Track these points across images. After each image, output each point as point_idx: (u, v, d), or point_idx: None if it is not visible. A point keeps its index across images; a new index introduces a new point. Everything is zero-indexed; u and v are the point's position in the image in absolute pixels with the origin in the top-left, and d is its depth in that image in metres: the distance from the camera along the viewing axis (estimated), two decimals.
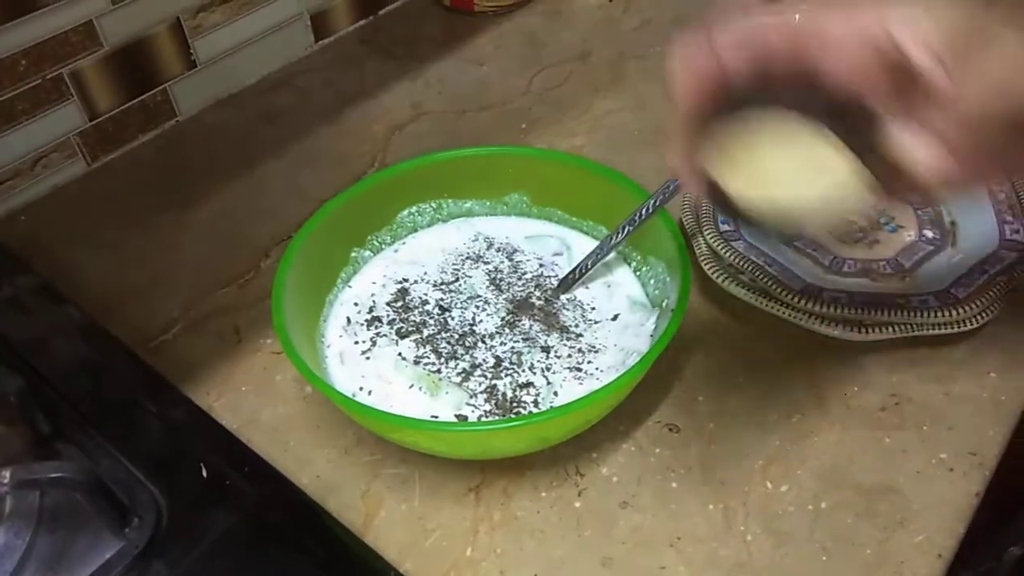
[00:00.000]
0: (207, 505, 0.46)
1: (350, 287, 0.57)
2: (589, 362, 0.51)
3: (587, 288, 0.56)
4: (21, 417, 0.47)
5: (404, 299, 0.55)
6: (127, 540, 0.43)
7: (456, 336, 0.53)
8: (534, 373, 0.51)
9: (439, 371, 0.51)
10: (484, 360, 0.51)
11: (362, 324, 0.54)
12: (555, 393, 0.50)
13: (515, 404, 0.49)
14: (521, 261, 0.58)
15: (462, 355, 0.52)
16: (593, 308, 0.55)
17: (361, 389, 0.50)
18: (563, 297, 0.55)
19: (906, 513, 0.46)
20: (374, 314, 0.55)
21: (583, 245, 0.58)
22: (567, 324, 0.54)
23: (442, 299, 0.55)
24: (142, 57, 0.73)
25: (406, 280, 0.57)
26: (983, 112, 0.29)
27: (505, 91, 0.79)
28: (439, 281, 0.57)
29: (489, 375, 0.50)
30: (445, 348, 0.52)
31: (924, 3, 0.29)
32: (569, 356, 0.52)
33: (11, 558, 0.43)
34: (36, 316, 0.58)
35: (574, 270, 0.55)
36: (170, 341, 0.58)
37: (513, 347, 0.52)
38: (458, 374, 0.50)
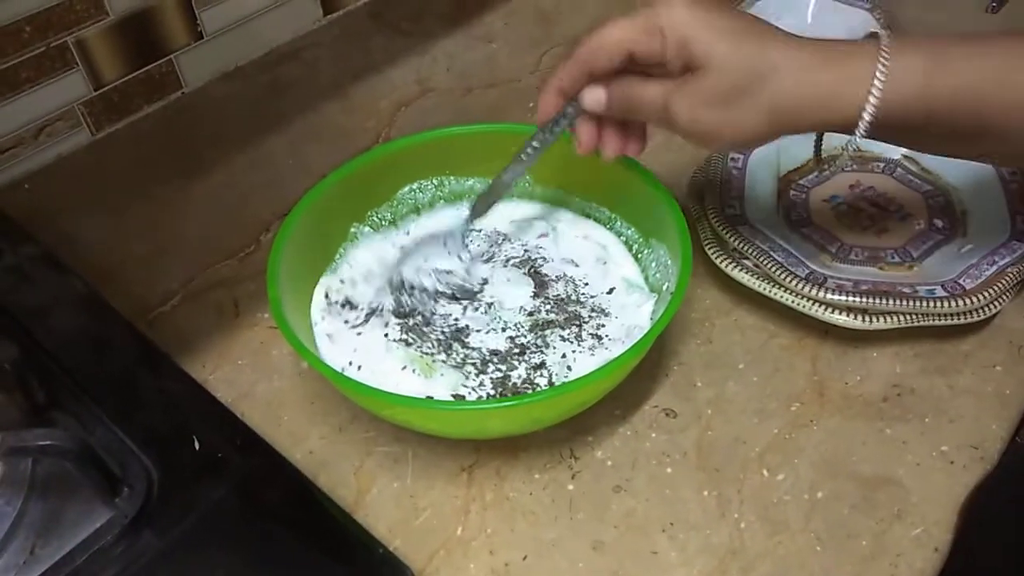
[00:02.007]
0: (199, 477, 0.45)
1: (348, 264, 0.56)
2: (595, 335, 0.51)
3: (577, 265, 0.56)
4: (17, 385, 0.47)
5: (399, 281, 0.55)
6: (117, 510, 0.43)
7: (451, 322, 0.52)
8: (541, 351, 0.50)
9: (432, 354, 0.50)
10: (482, 344, 0.51)
11: (357, 302, 0.54)
12: (568, 368, 0.49)
13: (524, 384, 0.49)
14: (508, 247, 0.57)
15: (457, 341, 0.51)
16: (586, 284, 0.54)
17: (351, 364, 0.50)
18: (553, 274, 0.55)
19: (904, 505, 0.46)
20: (369, 292, 0.54)
21: (572, 226, 0.58)
22: (561, 296, 0.53)
23: (436, 285, 0.54)
24: (148, 27, 0.72)
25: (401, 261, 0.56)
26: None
27: (514, 69, 0.78)
28: (434, 267, 0.56)
29: (490, 360, 0.50)
30: (439, 332, 0.52)
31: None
32: (572, 334, 0.51)
33: (1, 525, 0.43)
34: (36, 285, 0.57)
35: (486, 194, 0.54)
36: (168, 313, 0.58)
37: (515, 331, 0.51)
38: (454, 357, 0.50)
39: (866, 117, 0.42)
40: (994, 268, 0.53)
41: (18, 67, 0.66)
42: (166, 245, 0.63)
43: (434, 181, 0.59)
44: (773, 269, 0.53)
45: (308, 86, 0.78)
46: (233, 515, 0.44)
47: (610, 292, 0.54)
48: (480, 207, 0.54)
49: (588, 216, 0.59)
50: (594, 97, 0.46)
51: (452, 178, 0.59)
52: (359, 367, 0.50)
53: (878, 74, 0.41)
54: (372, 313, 0.53)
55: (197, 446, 0.47)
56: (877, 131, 0.43)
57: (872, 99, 0.41)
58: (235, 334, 0.56)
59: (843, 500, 0.46)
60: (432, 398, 0.48)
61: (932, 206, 0.60)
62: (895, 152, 0.64)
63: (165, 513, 0.44)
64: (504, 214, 0.59)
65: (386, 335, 0.51)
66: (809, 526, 0.45)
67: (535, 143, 0.50)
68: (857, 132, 0.42)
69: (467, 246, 0.56)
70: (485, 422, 0.46)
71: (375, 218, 0.58)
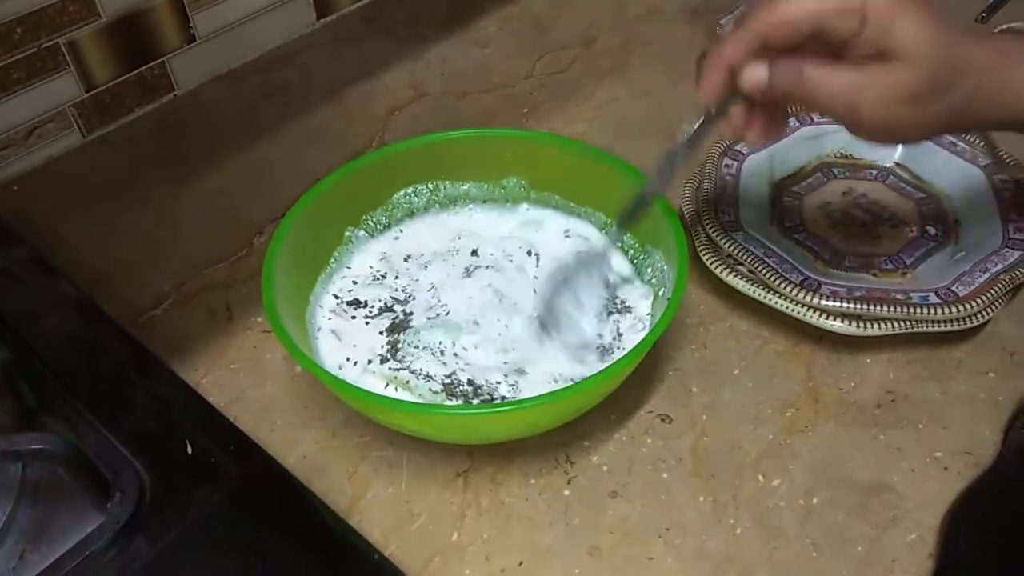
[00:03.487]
0: (191, 482, 0.45)
1: (345, 267, 0.56)
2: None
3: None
4: (7, 389, 0.47)
5: (393, 287, 0.55)
6: (109, 515, 0.43)
7: (439, 338, 0.52)
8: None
9: (415, 372, 0.49)
10: (469, 365, 0.50)
11: (351, 306, 0.54)
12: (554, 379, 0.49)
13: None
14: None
15: (447, 356, 0.51)
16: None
17: (343, 366, 0.50)
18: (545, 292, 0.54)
19: (899, 511, 0.46)
20: (363, 297, 0.54)
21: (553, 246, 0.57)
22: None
23: (434, 298, 0.54)
24: (140, 29, 0.72)
25: (396, 264, 0.56)
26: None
27: (508, 74, 0.78)
28: (440, 284, 0.55)
29: (472, 381, 0.49)
30: (428, 344, 0.51)
31: None
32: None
33: None
34: (26, 288, 0.57)
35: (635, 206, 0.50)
36: (160, 316, 0.58)
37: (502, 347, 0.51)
38: (442, 377, 0.49)
39: None
40: (987, 275, 0.53)
41: (9, 68, 0.65)
42: (158, 248, 0.63)
43: (429, 185, 0.59)
44: (768, 275, 0.53)
45: (301, 90, 0.78)
46: (226, 520, 0.44)
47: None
48: (632, 216, 0.50)
49: (585, 220, 0.59)
50: (757, 75, 0.41)
51: (447, 182, 0.59)
52: (355, 362, 0.49)
53: None
54: (371, 317, 0.53)
55: (189, 451, 0.46)
56: None
57: None
58: (228, 338, 0.56)
59: (838, 506, 0.46)
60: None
61: (925, 213, 0.60)
62: (888, 160, 0.64)
63: (157, 518, 0.43)
64: (489, 228, 0.59)
65: (378, 355, 0.51)
66: (804, 532, 0.45)
67: (692, 133, 0.45)
68: None
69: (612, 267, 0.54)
70: (480, 427, 0.46)
71: (370, 222, 0.58)
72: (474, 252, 0.57)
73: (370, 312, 0.53)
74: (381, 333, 0.52)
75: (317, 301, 0.53)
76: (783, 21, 0.39)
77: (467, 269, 0.55)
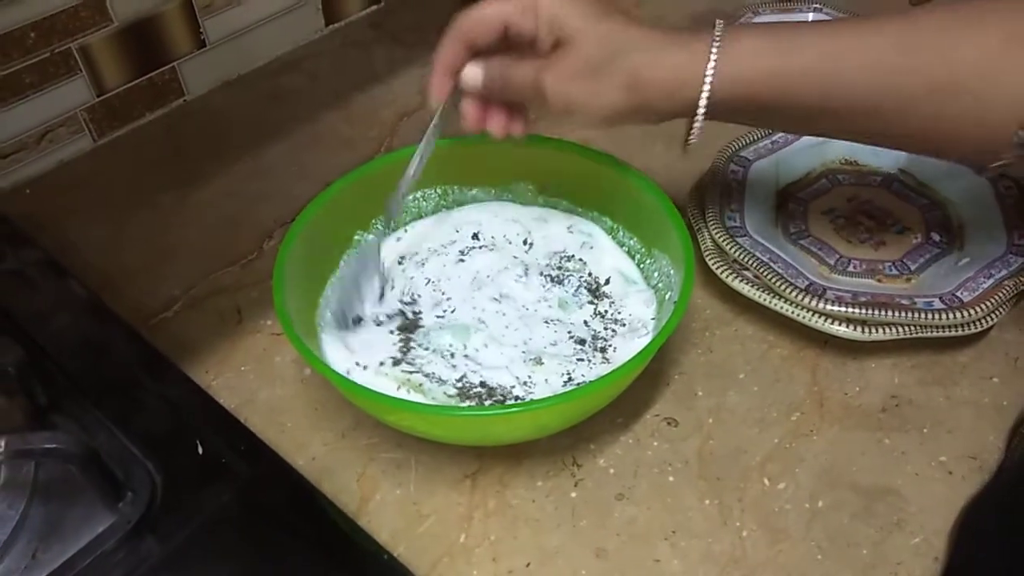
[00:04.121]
0: (202, 483, 0.45)
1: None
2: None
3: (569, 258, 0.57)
4: (19, 389, 0.47)
5: (405, 290, 0.55)
6: (120, 514, 0.43)
7: (452, 332, 0.52)
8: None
9: (428, 376, 0.50)
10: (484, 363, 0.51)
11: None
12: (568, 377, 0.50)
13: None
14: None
15: (459, 356, 0.51)
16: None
17: (352, 369, 0.50)
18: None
19: (903, 515, 0.46)
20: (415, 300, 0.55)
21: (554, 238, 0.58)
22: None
23: (437, 292, 0.55)
24: (151, 34, 0.72)
25: (403, 261, 0.57)
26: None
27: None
28: (436, 277, 0.56)
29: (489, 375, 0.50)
30: (439, 347, 0.52)
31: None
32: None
33: (3, 528, 0.43)
34: (38, 290, 0.58)
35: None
36: (171, 319, 0.58)
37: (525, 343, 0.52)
38: (454, 380, 0.50)
39: (703, 96, 0.45)
40: (991, 281, 0.53)
41: (22, 72, 0.66)
42: (168, 252, 0.63)
43: (437, 190, 0.60)
44: (773, 280, 0.53)
45: (310, 95, 0.78)
46: (236, 521, 0.44)
47: (607, 282, 0.55)
48: (393, 208, 0.55)
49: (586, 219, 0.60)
50: (471, 74, 0.48)
51: (455, 187, 0.60)
52: (365, 366, 0.50)
53: (712, 56, 0.44)
54: (382, 320, 0.53)
55: (200, 451, 0.47)
56: (720, 112, 0.45)
57: (707, 80, 0.44)
58: (238, 340, 0.56)
59: (843, 509, 0.47)
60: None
61: (929, 220, 0.61)
62: (892, 166, 0.65)
63: (168, 518, 0.44)
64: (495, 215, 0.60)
65: (392, 357, 0.51)
66: (810, 535, 0.45)
67: (432, 130, 0.52)
68: (697, 112, 0.45)
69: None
70: (488, 428, 0.46)
71: (378, 226, 0.58)
72: (475, 235, 0.58)
73: (378, 317, 0.54)
74: (392, 332, 0.52)
75: (327, 304, 0.54)
76: (477, 21, 0.47)
77: (462, 252, 0.57)
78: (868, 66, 0.43)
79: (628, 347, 0.51)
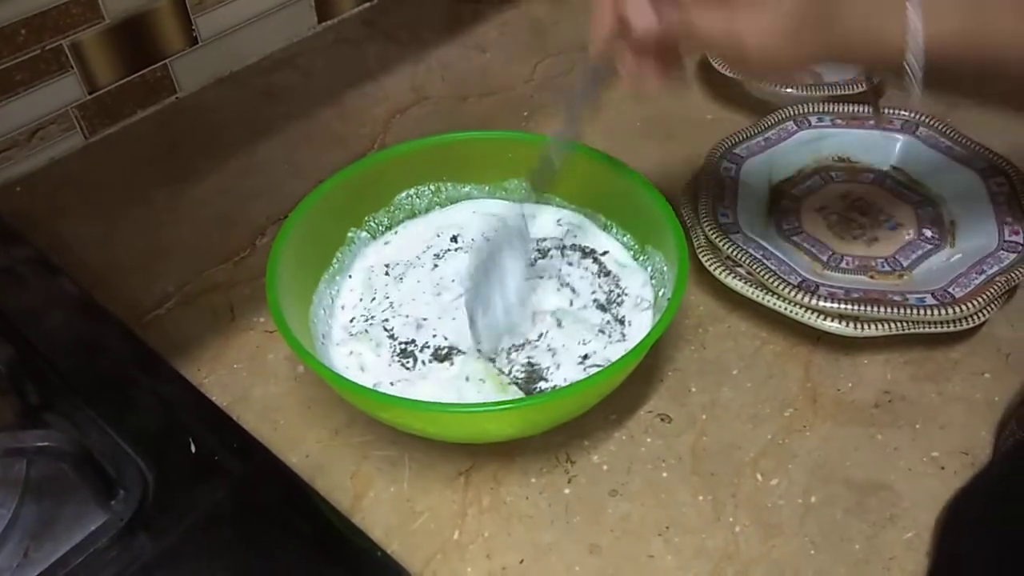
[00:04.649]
0: (195, 480, 0.45)
1: (347, 268, 0.56)
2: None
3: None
4: (11, 387, 0.47)
5: (399, 286, 0.55)
6: (112, 512, 0.43)
7: (446, 329, 0.52)
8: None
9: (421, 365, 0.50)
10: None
11: (356, 306, 0.54)
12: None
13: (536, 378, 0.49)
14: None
15: (452, 349, 0.51)
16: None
17: (348, 368, 0.50)
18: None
19: (896, 510, 0.46)
20: (368, 297, 0.54)
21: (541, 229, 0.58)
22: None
23: (434, 286, 0.55)
24: (143, 32, 0.72)
25: (400, 264, 0.57)
26: None
27: (508, 78, 0.79)
28: (431, 267, 0.57)
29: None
30: (433, 341, 0.52)
31: None
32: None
33: None
34: (30, 287, 0.57)
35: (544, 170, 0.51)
36: (163, 316, 0.58)
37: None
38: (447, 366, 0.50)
39: (910, 54, 0.41)
40: (982, 277, 0.54)
41: (13, 69, 0.66)
42: (160, 249, 0.63)
43: (431, 187, 0.60)
44: (766, 276, 0.53)
45: (303, 92, 0.78)
46: (229, 519, 0.44)
47: (604, 253, 0.56)
48: (540, 180, 0.51)
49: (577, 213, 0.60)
50: (646, 21, 0.41)
51: (449, 184, 0.60)
52: (361, 368, 0.50)
53: (910, 11, 0.40)
54: (376, 317, 0.54)
55: (193, 449, 0.47)
56: (930, 70, 0.41)
57: (912, 36, 0.40)
58: (231, 338, 0.56)
59: (836, 504, 0.47)
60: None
61: (921, 216, 0.61)
62: (885, 163, 0.65)
63: (161, 516, 0.44)
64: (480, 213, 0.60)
65: (389, 348, 0.52)
66: (803, 530, 0.46)
67: (592, 77, 0.46)
68: (906, 72, 0.41)
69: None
70: (482, 425, 0.46)
71: (372, 223, 0.58)
72: (453, 238, 0.58)
73: (372, 314, 0.54)
74: (386, 331, 0.53)
75: (320, 302, 0.54)
76: None
77: (436, 256, 0.57)
78: None
79: (636, 318, 0.52)
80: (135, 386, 0.51)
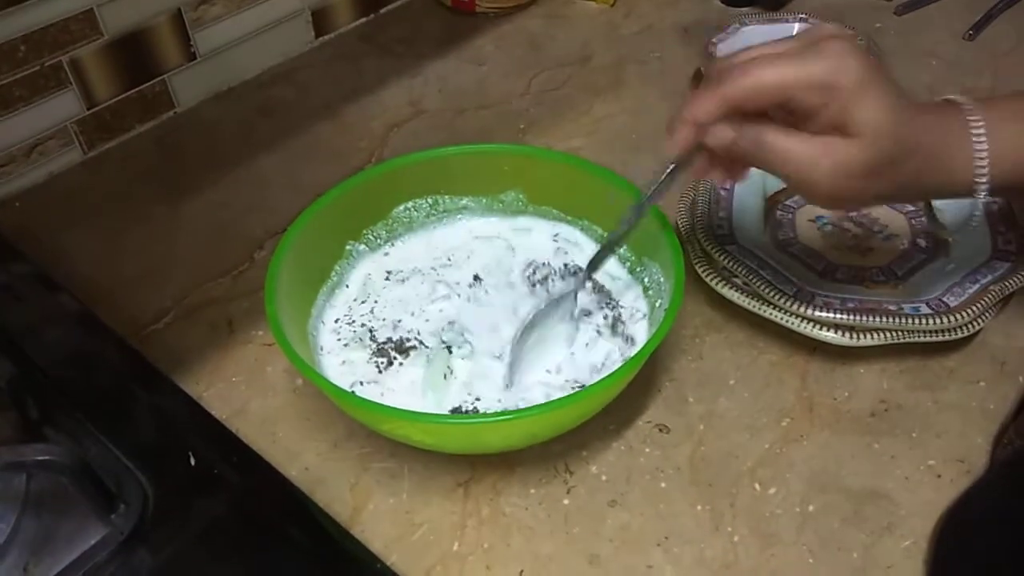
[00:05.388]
0: (194, 494, 0.45)
1: (345, 281, 0.57)
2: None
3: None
4: (11, 402, 0.47)
5: (390, 294, 0.56)
6: (112, 526, 0.43)
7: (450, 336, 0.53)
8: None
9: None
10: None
11: (354, 318, 0.54)
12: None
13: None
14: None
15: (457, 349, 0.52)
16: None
17: (353, 385, 0.50)
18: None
19: (894, 518, 0.47)
20: (366, 308, 0.55)
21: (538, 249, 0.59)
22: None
23: (432, 296, 0.55)
24: (142, 47, 0.73)
25: (399, 273, 0.57)
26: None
27: (504, 91, 0.79)
28: (431, 279, 0.57)
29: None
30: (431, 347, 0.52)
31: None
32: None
33: None
34: (28, 303, 0.58)
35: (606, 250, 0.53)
36: (162, 330, 0.58)
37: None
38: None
39: (981, 185, 0.43)
40: (976, 286, 0.54)
41: (12, 85, 0.66)
42: (159, 263, 0.63)
43: (428, 200, 0.60)
44: (762, 287, 0.54)
45: (300, 107, 0.79)
46: (229, 531, 0.44)
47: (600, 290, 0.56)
48: (598, 260, 0.53)
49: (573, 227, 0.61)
50: (723, 135, 0.43)
51: (446, 197, 0.60)
52: (361, 383, 0.50)
53: (975, 145, 0.43)
54: (374, 328, 0.54)
55: (192, 463, 0.47)
56: (999, 192, 0.44)
57: (978, 171, 0.43)
58: (229, 351, 0.56)
59: (834, 513, 0.47)
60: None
61: (915, 226, 0.61)
62: None
63: (160, 530, 0.44)
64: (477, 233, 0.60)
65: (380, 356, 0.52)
66: (801, 539, 0.46)
67: (656, 188, 0.48)
68: (978, 196, 0.44)
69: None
70: (481, 436, 0.46)
71: (370, 236, 0.58)
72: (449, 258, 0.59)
73: (371, 325, 0.54)
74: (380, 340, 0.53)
75: (319, 315, 0.54)
76: (756, 89, 0.41)
77: (432, 269, 0.57)
78: None
79: (633, 330, 0.53)
80: (134, 400, 0.51)
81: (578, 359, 0.52)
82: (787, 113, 0.42)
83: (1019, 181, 0.44)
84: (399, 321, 0.54)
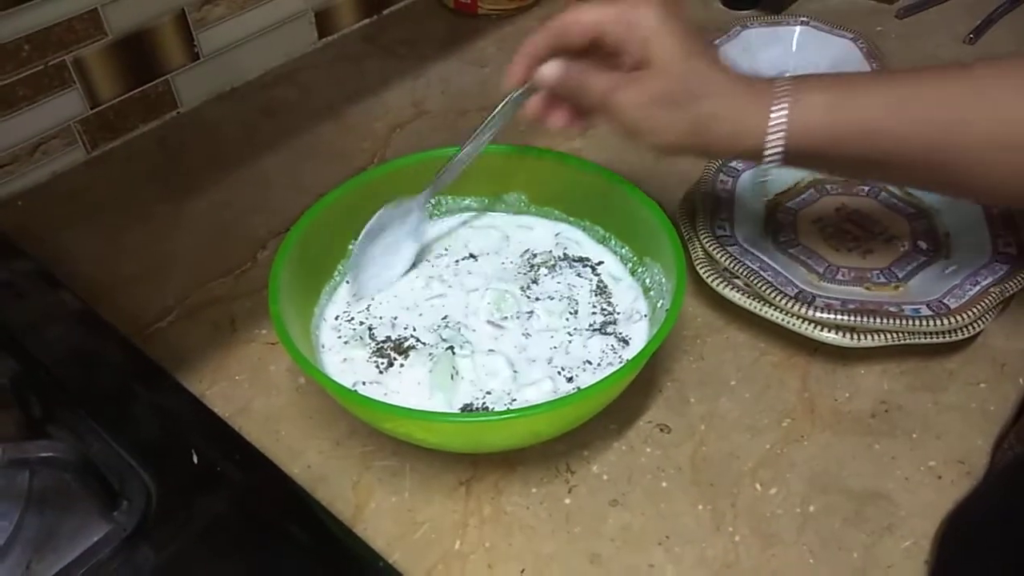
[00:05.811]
0: (197, 491, 0.46)
1: (346, 277, 0.57)
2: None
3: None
4: (14, 399, 0.47)
5: (392, 292, 0.56)
6: (115, 523, 0.43)
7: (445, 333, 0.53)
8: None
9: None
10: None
11: (353, 315, 0.54)
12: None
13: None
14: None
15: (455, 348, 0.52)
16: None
17: (355, 384, 0.50)
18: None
19: (894, 519, 0.47)
20: (363, 305, 0.55)
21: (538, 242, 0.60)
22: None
23: (431, 297, 0.56)
24: (145, 47, 0.73)
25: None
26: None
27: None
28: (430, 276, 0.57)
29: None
30: (432, 344, 0.52)
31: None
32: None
33: None
34: (31, 301, 0.58)
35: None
36: (165, 329, 0.58)
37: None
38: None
39: (768, 149, 0.46)
40: (977, 288, 0.54)
41: (16, 84, 0.66)
42: (161, 263, 0.63)
43: (431, 200, 0.60)
44: (763, 288, 0.54)
45: (303, 107, 0.79)
46: (231, 529, 0.44)
47: (599, 264, 0.58)
48: (440, 182, 0.56)
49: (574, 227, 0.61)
50: (550, 69, 0.49)
51: (448, 197, 0.60)
52: (363, 383, 0.50)
53: (773, 111, 0.45)
54: (376, 328, 0.54)
55: (195, 460, 0.47)
56: (781, 162, 0.46)
57: (772, 134, 0.45)
58: (232, 350, 0.56)
59: (835, 514, 0.47)
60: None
61: (916, 228, 0.62)
62: None
63: (163, 527, 0.44)
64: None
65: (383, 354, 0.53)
66: (802, 539, 0.46)
67: (497, 115, 0.53)
68: (761, 162, 0.46)
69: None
70: (483, 435, 0.47)
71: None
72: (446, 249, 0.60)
73: (373, 325, 0.54)
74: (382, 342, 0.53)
75: (321, 314, 0.54)
76: (574, 22, 0.47)
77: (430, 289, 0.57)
78: (926, 120, 0.44)
79: (631, 330, 0.53)
80: (137, 398, 0.51)
81: (573, 353, 0.52)
82: (605, 56, 0.47)
83: (811, 151, 0.46)
84: (396, 318, 0.54)
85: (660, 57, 0.45)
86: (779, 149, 0.45)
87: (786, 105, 0.45)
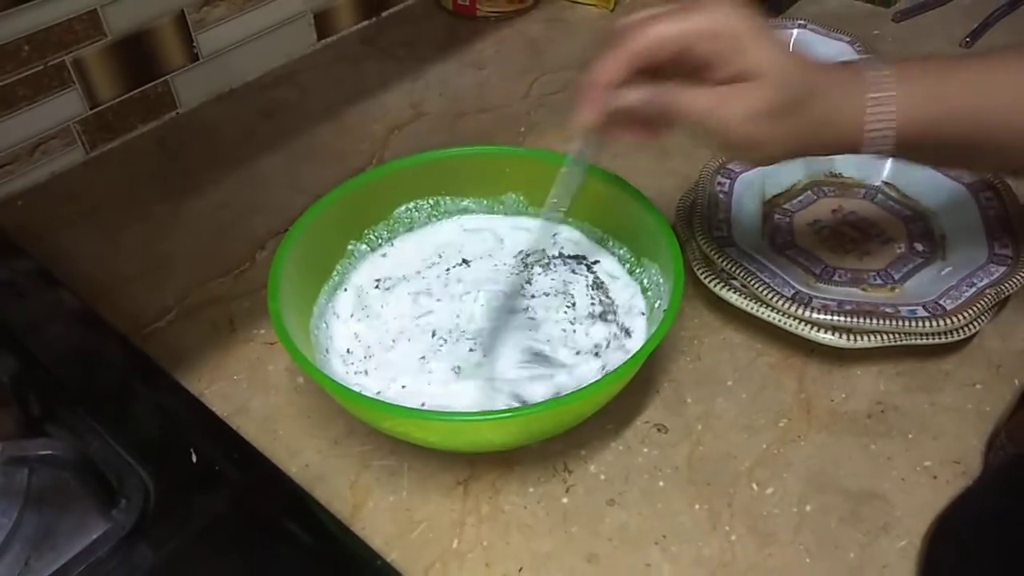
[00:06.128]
0: (195, 490, 0.46)
1: (347, 280, 0.57)
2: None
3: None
4: (13, 398, 0.48)
5: (388, 298, 0.56)
6: (114, 522, 0.44)
7: (449, 332, 0.53)
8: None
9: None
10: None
11: (356, 316, 0.55)
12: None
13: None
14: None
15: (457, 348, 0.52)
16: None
17: (348, 374, 0.51)
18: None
19: (889, 519, 0.47)
20: (362, 327, 0.55)
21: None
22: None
23: (430, 292, 0.56)
24: (145, 48, 0.73)
25: (397, 277, 0.58)
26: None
27: (505, 95, 0.80)
28: (427, 277, 0.58)
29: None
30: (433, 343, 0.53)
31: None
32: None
33: None
34: (31, 300, 0.58)
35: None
36: (164, 328, 0.58)
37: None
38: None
39: (869, 140, 0.44)
40: (973, 290, 0.54)
41: (15, 85, 0.66)
42: (160, 262, 0.64)
43: (429, 201, 0.60)
44: (760, 289, 0.54)
45: (302, 109, 0.79)
46: (229, 528, 0.45)
47: (595, 263, 0.58)
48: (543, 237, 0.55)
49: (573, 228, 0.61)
50: (637, 96, 0.44)
51: (447, 198, 0.61)
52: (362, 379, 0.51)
53: (875, 108, 0.43)
54: (377, 326, 0.54)
55: (194, 459, 0.47)
56: (887, 152, 0.45)
57: (875, 131, 0.44)
58: (231, 349, 0.57)
59: (831, 513, 0.47)
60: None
61: (912, 230, 0.62)
62: (876, 179, 0.66)
63: (161, 525, 0.44)
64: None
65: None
66: (798, 539, 0.46)
67: (581, 154, 0.49)
68: (865, 151, 0.45)
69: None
70: (480, 434, 0.47)
71: (371, 236, 0.59)
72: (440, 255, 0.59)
73: (374, 323, 0.54)
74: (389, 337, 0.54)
75: (321, 314, 0.54)
76: (655, 41, 0.42)
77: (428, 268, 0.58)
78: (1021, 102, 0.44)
79: (633, 323, 0.53)
80: (136, 397, 0.51)
81: (578, 337, 0.53)
82: (687, 72, 0.43)
83: (915, 140, 0.45)
84: (393, 342, 0.53)
85: (761, 67, 0.42)
86: (888, 145, 0.44)
87: (892, 95, 0.43)
